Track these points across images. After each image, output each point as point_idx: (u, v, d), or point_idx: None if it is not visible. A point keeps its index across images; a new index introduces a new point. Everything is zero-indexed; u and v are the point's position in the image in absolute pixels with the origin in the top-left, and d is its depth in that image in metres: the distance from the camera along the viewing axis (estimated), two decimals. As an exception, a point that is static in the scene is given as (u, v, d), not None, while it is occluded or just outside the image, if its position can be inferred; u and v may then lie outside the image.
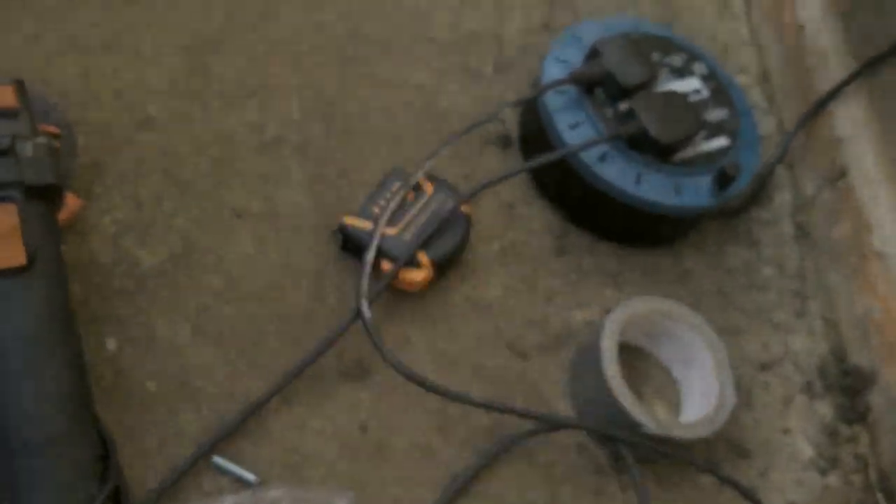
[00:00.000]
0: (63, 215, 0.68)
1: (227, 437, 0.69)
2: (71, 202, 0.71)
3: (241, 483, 0.67)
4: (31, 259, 0.60)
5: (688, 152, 0.83)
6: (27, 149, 0.62)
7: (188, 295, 0.75)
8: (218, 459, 0.68)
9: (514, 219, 0.87)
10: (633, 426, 0.73)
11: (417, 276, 0.77)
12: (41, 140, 0.64)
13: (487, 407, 0.71)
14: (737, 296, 0.89)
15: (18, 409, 0.57)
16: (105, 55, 0.83)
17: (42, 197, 0.62)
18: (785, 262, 0.93)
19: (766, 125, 1.01)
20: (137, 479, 0.66)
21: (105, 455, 0.62)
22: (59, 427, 0.58)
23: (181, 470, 0.66)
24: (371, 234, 0.76)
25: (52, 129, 0.70)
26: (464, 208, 0.79)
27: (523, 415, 0.72)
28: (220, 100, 0.85)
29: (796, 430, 0.83)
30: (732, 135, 0.86)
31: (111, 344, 0.71)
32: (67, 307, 0.62)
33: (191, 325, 0.73)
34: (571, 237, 0.87)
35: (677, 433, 0.73)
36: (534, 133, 0.87)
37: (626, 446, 0.73)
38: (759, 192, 0.95)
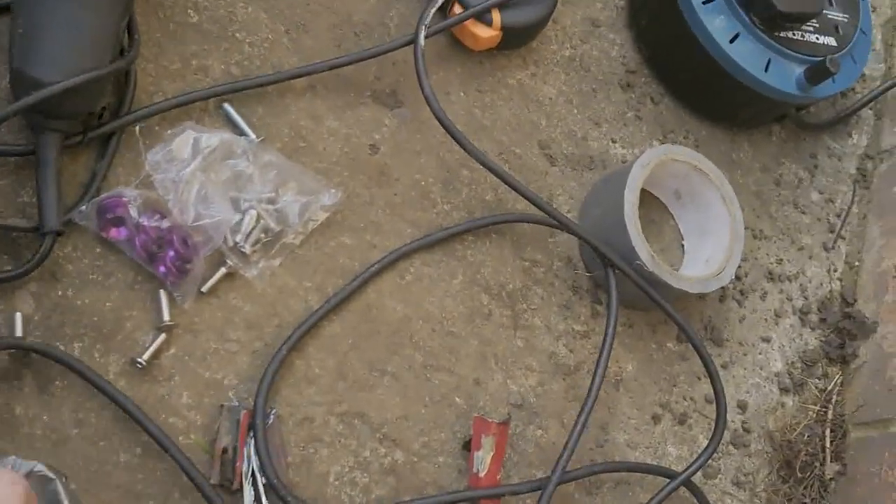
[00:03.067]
0: None
1: (245, 92, 0.67)
2: None
3: (241, 136, 0.66)
4: None
5: (793, 34, 0.79)
6: None
7: (260, -46, 0.73)
8: (228, 107, 0.67)
9: (595, 37, 0.84)
10: (630, 258, 0.71)
11: (484, 33, 0.74)
12: None
13: (501, 176, 0.69)
14: (774, 205, 0.87)
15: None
16: None
17: None
18: (835, 197, 0.90)
19: (875, 69, 0.97)
20: (147, 90, 0.65)
21: (125, 46, 0.62)
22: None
23: (192, 97, 0.65)
24: (457, -28, 0.73)
25: None
26: (555, -10, 0.76)
27: (532, 200, 0.70)
28: None
29: (776, 344, 0.81)
30: (843, 41, 0.81)
31: (170, -38, 0.69)
32: None
33: (251, -18, 0.72)
34: (643, 78, 0.84)
35: (668, 278, 0.71)
36: (650, -39, 0.83)
37: (615, 274, 0.72)
38: (840, 122, 0.91)
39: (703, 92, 0.83)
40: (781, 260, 0.85)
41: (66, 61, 0.56)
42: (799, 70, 0.79)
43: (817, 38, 0.80)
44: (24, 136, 0.61)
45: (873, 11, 1.00)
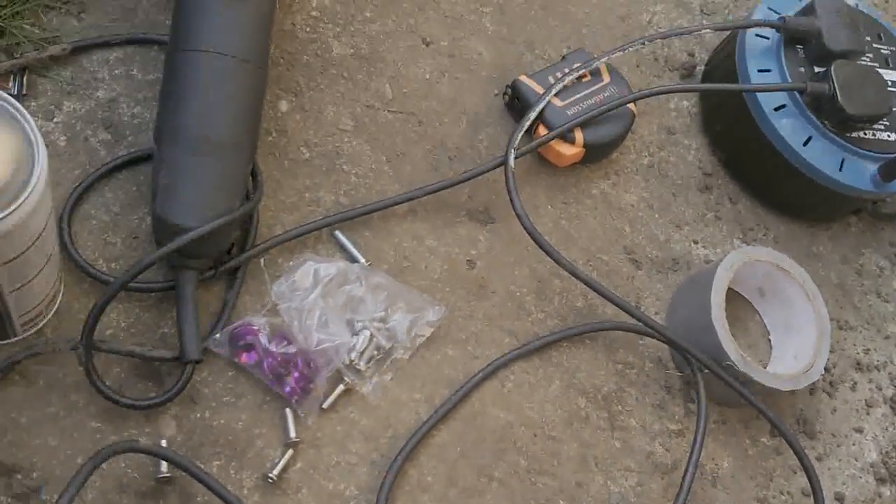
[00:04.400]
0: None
1: (353, 220, 0.74)
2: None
3: (352, 261, 0.72)
4: (254, -10, 0.65)
5: (865, 134, 0.82)
6: None
7: (361, 92, 0.80)
8: (340, 234, 0.73)
9: (671, 143, 0.89)
10: (719, 358, 0.74)
11: (568, 150, 0.80)
12: None
13: (591, 286, 0.74)
14: (857, 295, 0.89)
15: (209, 108, 0.63)
16: None
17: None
18: (917, 283, 0.91)
19: (947, 154, 0.99)
20: (267, 223, 0.72)
21: (250, 188, 0.69)
22: (232, 136, 0.64)
23: (307, 228, 0.71)
24: (540, 97, 0.79)
25: None
26: (631, 107, 0.82)
27: (622, 307, 0.74)
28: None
29: (869, 434, 0.82)
30: (914, 137, 0.84)
31: (283, 106, 0.77)
32: (268, 46, 0.68)
33: (355, 117, 0.79)
34: (719, 180, 0.88)
35: (759, 377, 0.74)
36: (721, 70, 0.88)
37: (705, 375, 0.75)
38: (917, 210, 0.93)
39: (780, 191, 0.87)
40: (868, 350, 0.86)
41: (203, 208, 0.63)
42: (873, 167, 0.82)
43: (888, 136, 0.83)
44: (163, 273, 0.68)
45: (942, 98, 1.03)
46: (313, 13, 0.82)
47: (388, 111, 0.80)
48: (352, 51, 0.81)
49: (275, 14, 0.70)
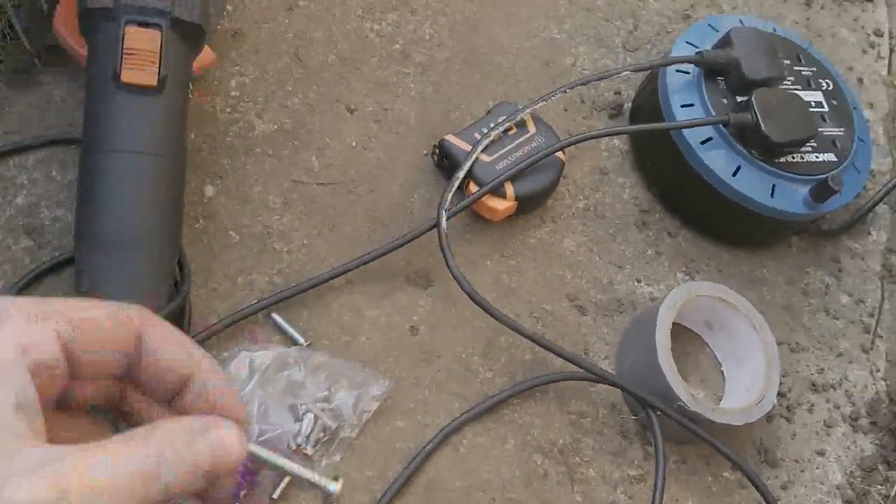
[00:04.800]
0: (197, 64, 0.74)
1: (289, 300, 0.73)
2: (206, 55, 0.76)
3: (291, 343, 0.71)
4: (161, 84, 0.65)
5: (793, 158, 0.83)
6: (182, -12, 0.67)
7: (287, 167, 0.79)
8: (276, 316, 0.72)
9: (605, 184, 0.89)
10: (670, 399, 0.74)
11: (500, 205, 0.79)
12: (196, -15, 0.69)
13: (535, 340, 0.73)
14: (805, 316, 0.89)
15: (122, 208, 0.63)
16: (269, -61, 0.89)
17: (185, 34, 0.68)
18: (865, 297, 0.92)
19: (882, 163, 1.00)
20: (201, 313, 0.71)
21: (178, 280, 0.68)
22: (150, 233, 0.63)
23: (242, 314, 0.70)
24: (467, 155, 0.79)
25: (207, -17, 0.76)
26: (560, 154, 0.82)
27: (567, 358, 0.74)
28: (363, 5, 0.89)
29: (831, 456, 0.82)
30: (842, 154, 0.85)
31: (209, 191, 0.76)
32: (182, 136, 0.67)
33: (283, 194, 0.78)
34: (657, 215, 0.89)
35: (711, 415, 0.73)
36: (646, 108, 0.89)
37: (658, 416, 0.74)
38: (856, 223, 0.94)
39: (715, 222, 0.87)
40: (822, 369, 0.86)
41: (128, 310, 0.62)
42: (804, 189, 0.83)
43: (817, 157, 0.84)
44: (97, 377, 0.66)
45: (871, 108, 1.04)
46: (233, 93, 0.82)
47: (317, 184, 0.80)
48: (275, 127, 0.81)
49: (187, 103, 0.70)
